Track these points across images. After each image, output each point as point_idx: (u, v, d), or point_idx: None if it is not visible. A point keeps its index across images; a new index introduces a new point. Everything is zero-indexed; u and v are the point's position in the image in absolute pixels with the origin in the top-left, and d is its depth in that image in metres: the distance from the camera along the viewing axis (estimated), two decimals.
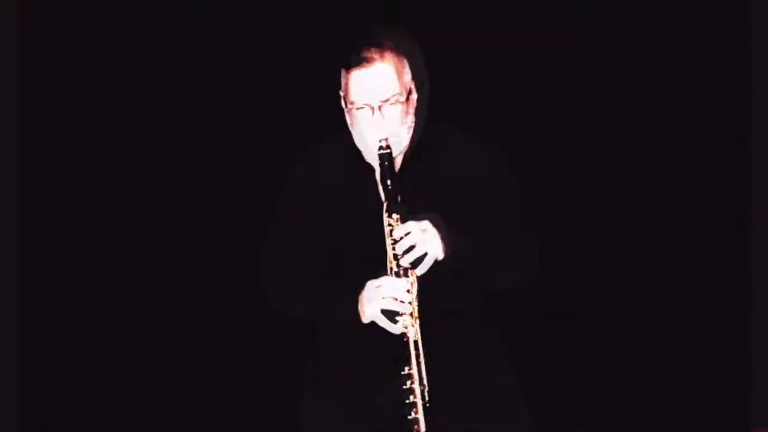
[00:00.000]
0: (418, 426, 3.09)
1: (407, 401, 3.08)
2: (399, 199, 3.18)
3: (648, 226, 4.46)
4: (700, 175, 4.44)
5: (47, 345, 4.46)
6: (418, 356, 3.11)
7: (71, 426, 4.47)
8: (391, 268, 3.15)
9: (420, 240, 3.14)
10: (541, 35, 4.45)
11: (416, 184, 3.28)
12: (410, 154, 3.31)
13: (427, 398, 3.10)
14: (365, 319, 3.22)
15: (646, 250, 4.46)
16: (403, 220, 3.15)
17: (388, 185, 3.19)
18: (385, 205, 3.18)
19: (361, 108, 3.23)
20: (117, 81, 4.48)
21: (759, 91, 4.35)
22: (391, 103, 3.22)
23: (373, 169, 3.29)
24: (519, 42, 4.44)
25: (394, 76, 3.22)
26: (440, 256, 3.16)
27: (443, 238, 3.16)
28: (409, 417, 3.08)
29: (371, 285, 3.21)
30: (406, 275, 3.14)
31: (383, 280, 3.20)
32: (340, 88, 3.29)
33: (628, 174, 4.46)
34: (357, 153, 3.30)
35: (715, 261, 4.42)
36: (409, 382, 3.09)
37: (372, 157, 3.25)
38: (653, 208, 4.46)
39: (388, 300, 3.13)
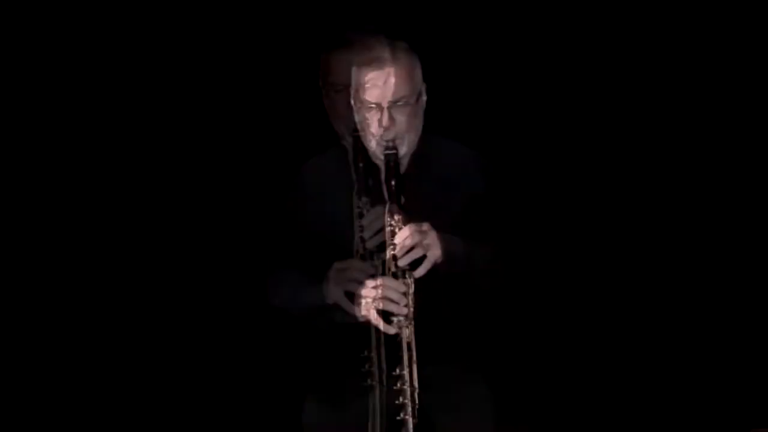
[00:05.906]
0: (407, 428, 3.06)
1: (396, 402, 3.07)
2: (402, 200, 3.15)
3: (646, 226, 4.48)
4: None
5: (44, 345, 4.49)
6: (410, 358, 3.08)
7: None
8: (389, 268, 3.12)
9: (420, 242, 3.12)
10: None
11: (419, 188, 3.26)
12: (417, 158, 3.29)
13: (416, 401, 3.07)
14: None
15: (644, 249, 4.47)
16: (405, 222, 3.12)
17: (392, 185, 3.16)
18: (387, 205, 3.15)
19: (371, 107, 3.22)
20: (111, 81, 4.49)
21: None
22: (401, 104, 3.21)
23: (377, 169, 3.28)
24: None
25: (406, 77, 3.21)
26: (439, 258, 3.14)
27: (443, 242, 3.14)
28: (398, 418, 3.06)
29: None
30: (404, 276, 3.12)
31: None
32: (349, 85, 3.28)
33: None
34: (359, 158, 3.30)
35: (714, 260, 4.43)
36: (399, 383, 3.07)
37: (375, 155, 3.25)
38: (651, 207, 4.49)
39: (384, 301, 3.10)
